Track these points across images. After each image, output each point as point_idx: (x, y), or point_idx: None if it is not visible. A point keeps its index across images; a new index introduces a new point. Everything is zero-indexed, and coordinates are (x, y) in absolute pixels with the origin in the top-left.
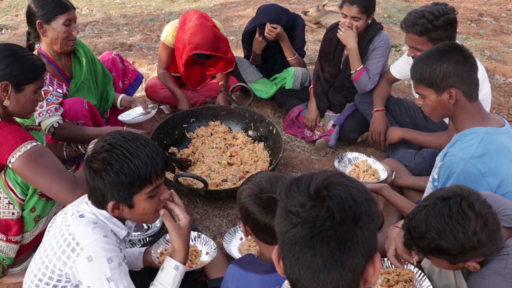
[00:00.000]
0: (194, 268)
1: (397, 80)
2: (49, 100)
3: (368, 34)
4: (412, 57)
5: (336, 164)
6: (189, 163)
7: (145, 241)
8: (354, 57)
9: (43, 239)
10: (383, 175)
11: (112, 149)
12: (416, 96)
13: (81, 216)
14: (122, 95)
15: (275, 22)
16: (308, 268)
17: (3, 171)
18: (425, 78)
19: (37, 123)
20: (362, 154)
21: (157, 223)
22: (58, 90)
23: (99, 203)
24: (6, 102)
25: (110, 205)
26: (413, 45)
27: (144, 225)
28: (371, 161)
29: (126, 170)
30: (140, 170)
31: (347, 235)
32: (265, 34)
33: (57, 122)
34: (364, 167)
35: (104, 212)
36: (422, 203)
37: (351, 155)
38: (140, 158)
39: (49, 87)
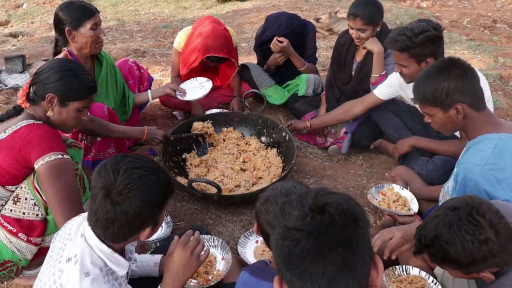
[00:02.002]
0: (213, 283)
1: (381, 102)
2: None
3: (382, 41)
4: (400, 72)
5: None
6: (205, 134)
7: (156, 244)
8: (379, 61)
9: (48, 254)
10: (414, 206)
11: (154, 171)
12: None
13: (76, 262)
14: (148, 90)
15: (283, 31)
16: (323, 278)
17: (33, 173)
18: (429, 98)
19: None
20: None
21: (166, 229)
22: None
23: (130, 233)
24: (49, 113)
25: (147, 231)
26: (397, 61)
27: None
28: (397, 187)
29: (166, 190)
30: (170, 185)
31: (351, 236)
32: (271, 45)
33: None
34: (393, 196)
35: (105, 248)
36: (433, 213)
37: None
38: (165, 173)
39: None
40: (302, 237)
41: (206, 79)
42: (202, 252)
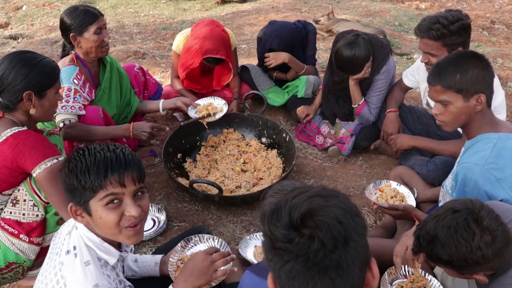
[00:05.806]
0: (214, 284)
1: (409, 88)
2: (76, 99)
3: (376, 68)
4: (426, 63)
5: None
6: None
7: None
8: (354, 92)
9: (49, 251)
10: (411, 200)
11: (84, 151)
12: (425, 103)
13: (76, 254)
14: (162, 100)
15: (275, 46)
16: None
17: (29, 176)
18: (455, 84)
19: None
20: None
21: (162, 219)
22: (88, 94)
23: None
24: (32, 111)
25: (68, 207)
26: (428, 51)
27: (151, 220)
28: (394, 184)
29: (78, 169)
30: (90, 172)
31: (341, 258)
32: (268, 64)
33: (69, 120)
34: (390, 192)
35: (94, 237)
36: (434, 213)
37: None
38: (95, 159)
39: (81, 88)
40: (290, 258)
41: (224, 101)
42: (221, 268)
